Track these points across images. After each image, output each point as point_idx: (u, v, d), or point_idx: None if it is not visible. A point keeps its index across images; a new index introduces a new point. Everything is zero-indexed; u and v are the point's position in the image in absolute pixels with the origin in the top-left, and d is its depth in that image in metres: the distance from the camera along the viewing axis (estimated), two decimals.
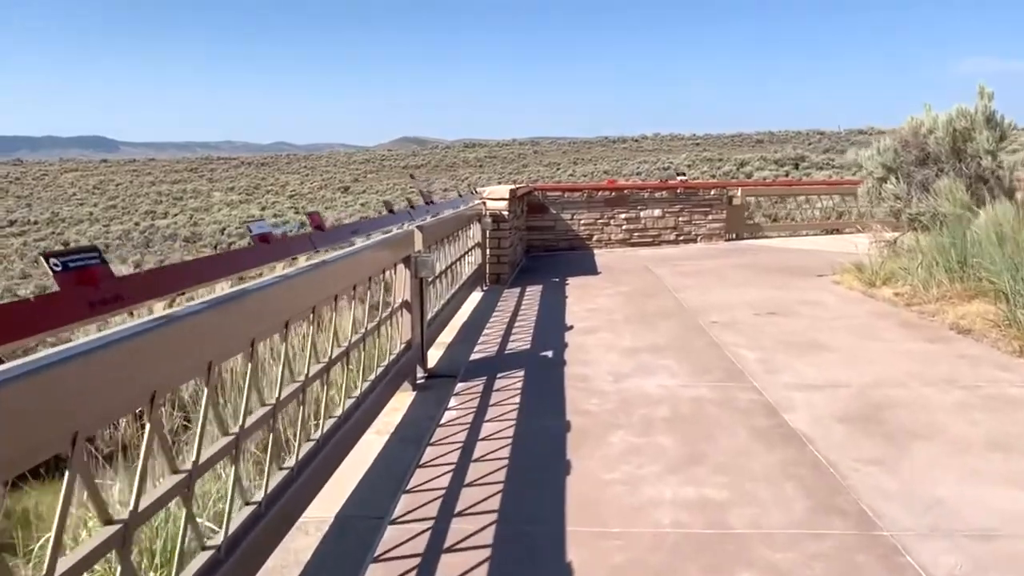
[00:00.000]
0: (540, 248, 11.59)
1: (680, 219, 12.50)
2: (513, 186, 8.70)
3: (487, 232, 8.07)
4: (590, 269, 9.56)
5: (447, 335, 5.67)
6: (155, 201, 62.27)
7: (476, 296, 7.44)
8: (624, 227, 12.15)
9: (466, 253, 6.95)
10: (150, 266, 27.46)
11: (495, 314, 6.60)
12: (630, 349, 5.21)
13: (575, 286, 8.07)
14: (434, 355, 5.07)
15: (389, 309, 3.84)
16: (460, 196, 6.58)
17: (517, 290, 7.88)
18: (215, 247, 32.43)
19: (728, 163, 59.19)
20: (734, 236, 13.17)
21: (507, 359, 5.06)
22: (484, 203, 8.05)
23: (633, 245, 12.19)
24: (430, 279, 4.83)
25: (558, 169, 68.34)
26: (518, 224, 9.70)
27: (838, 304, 6.76)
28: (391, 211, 3.98)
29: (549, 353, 5.13)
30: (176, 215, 50.03)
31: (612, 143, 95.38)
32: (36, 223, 48.08)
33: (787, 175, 50.46)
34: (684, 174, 12.64)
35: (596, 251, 11.76)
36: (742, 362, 4.80)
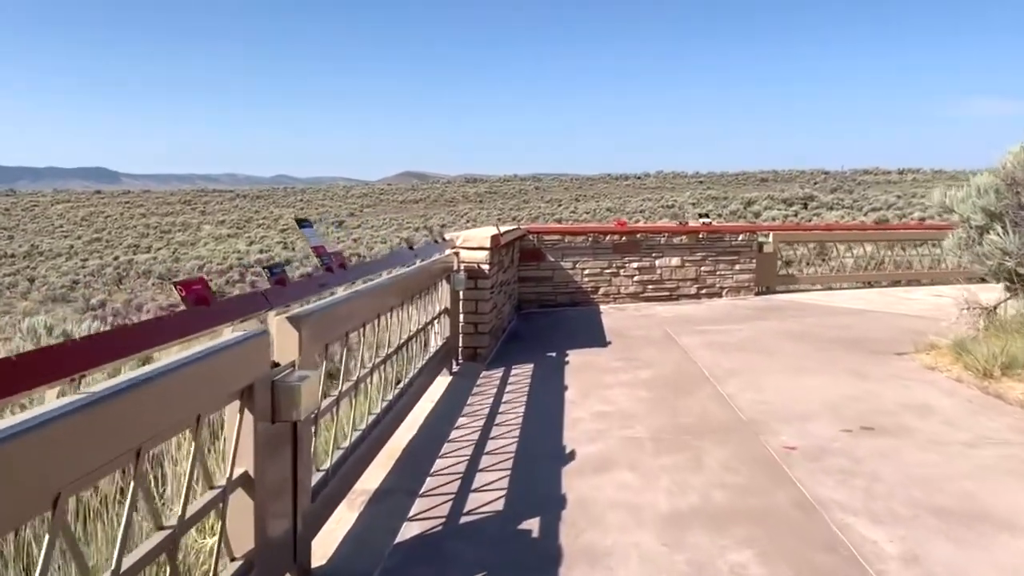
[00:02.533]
0: (534, 303, 9.53)
1: (702, 269, 10.46)
2: (497, 230, 6.67)
3: (460, 293, 6.01)
4: (596, 336, 7.48)
5: (373, 475, 3.56)
6: (142, 234, 60.44)
7: (440, 385, 5.34)
8: (636, 278, 10.10)
9: (422, 329, 4.87)
10: (116, 305, 25.37)
11: (460, 423, 4.49)
12: (670, 518, 3.10)
13: (578, 367, 5.98)
14: (341, 522, 2.97)
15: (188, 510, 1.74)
16: (411, 248, 4.53)
17: (499, 373, 5.79)
18: None
19: (734, 202, 57.57)
20: (764, 289, 11.13)
21: (460, 539, 2.95)
22: (456, 253, 6.00)
23: (647, 300, 10.13)
24: (312, 416, 2.75)
25: (560, 206, 66.67)
26: (505, 278, 7.65)
27: (958, 410, 4.66)
28: (197, 303, 1.90)
29: (533, 526, 3.02)
30: (159, 249, 48.09)
31: (615, 180, 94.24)
32: (13, 256, 46.11)
33: (796, 215, 48.74)
34: (708, 216, 10.63)
35: (602, 307, 9.70)
36: (877, 563, 2.70)
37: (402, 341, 4.14)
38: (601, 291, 9.93)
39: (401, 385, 4.17)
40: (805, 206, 54.68)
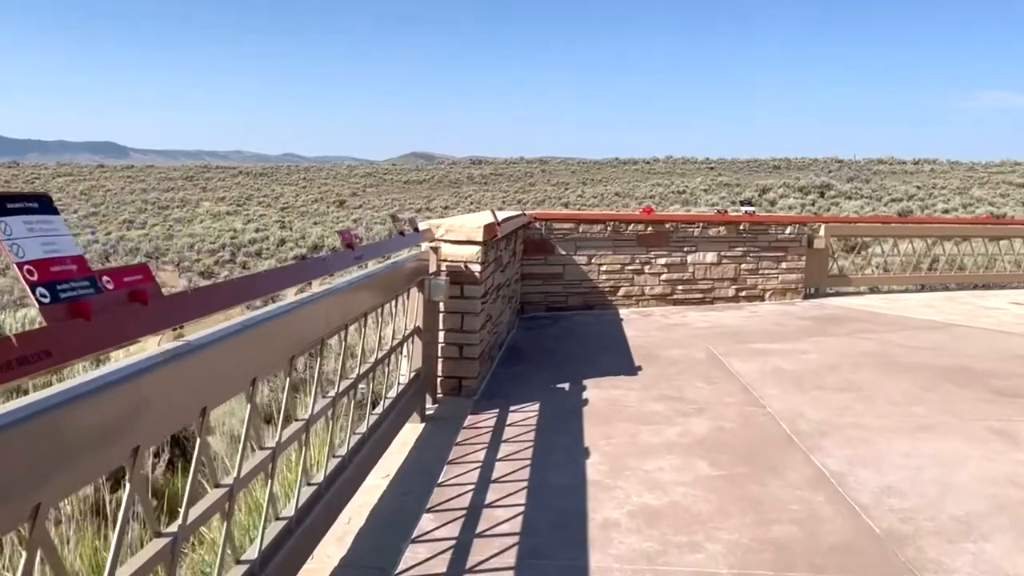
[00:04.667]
0: (540, 305, 7.84)
1: (742, 267, 8.74)
2: (493, 217, 4.95)
3: (440, 305, 4.31)
4: (621, 357, 5.78)
5: None
6: (139, 209, 58.73)
7: (404, 442, 3.67)
8: (663, 277, 8.39)
9: (370, 372, 3.17)
10: None
11: (421, 530, 2.81)
12: None
13: (601, 412, 4.29)
14: None
15: None
16: (349, 247, 2.77)
17: (490, 420, 4.10)
18: (177, 265, 28.77)
19: (748, 189, 55.58)
20: (813, 291, 9.43)
21: None
22: (435, 249, 4.29)
23: (676, 303, 8.43)
24: None
25: (567, 189, 64.67)
26: (504, 279, 5.94)
27: None
28: None
29: None
30: (154, 226, 46.42)
31: (623, 164, 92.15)
32: None
33: (814, 204, 46.88)
34: (752, 204, 8.92)
35: (622, 311, 8.00)
36: None
37: (314, 412, 2.43)
38: (621, 292, 8.22)
39: (318, 481, 2.47)
40: (822, 195, 52.73)
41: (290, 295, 2.36)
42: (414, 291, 3.96)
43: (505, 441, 3.76)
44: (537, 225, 7.78)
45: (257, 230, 40.54)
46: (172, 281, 25.84)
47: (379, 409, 3.27)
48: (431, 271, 4.16)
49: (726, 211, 8.88)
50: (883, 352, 6.00)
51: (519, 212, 7.10)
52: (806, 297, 9.19)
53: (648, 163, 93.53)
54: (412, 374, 3.96)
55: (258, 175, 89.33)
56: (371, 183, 78.61)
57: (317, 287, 2.47)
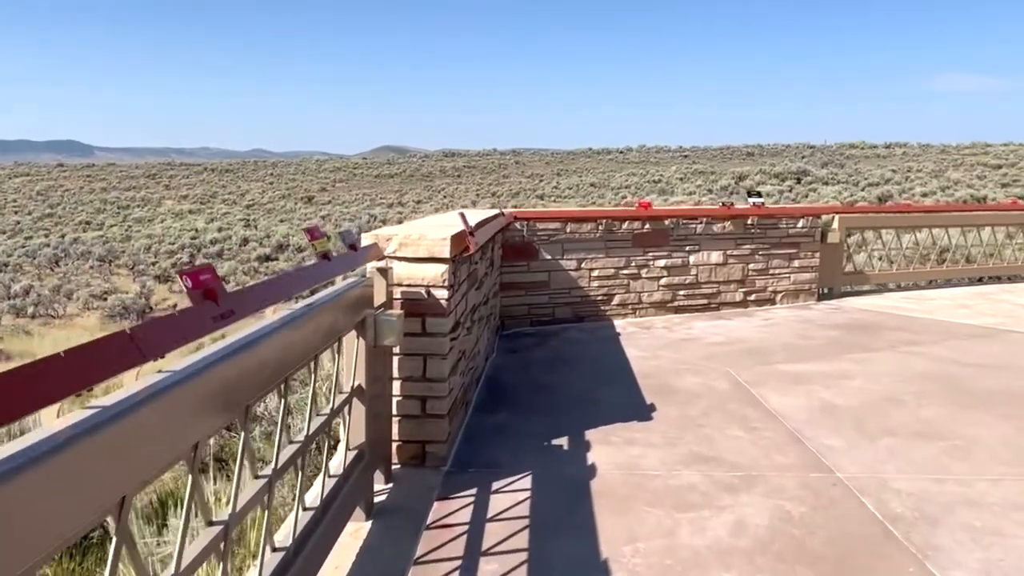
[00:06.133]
0: (524, 319, 6.68)
1: (750, 267, 7.66)
2: (464, 224, 3.76)
3: (393, 351, 3.13)
4: (628, 393, 4.63)
5: None
6: (98, 209, 56.47)
7: (340, 559, 2.49)
8: (663, 281, 7.27)
9: (274, 480, 1.99)
10: (43, 292, 22.15)
11: None
12: None
13: (615, 487, 3.14)
14: None
15: None
16: (211, 300, 1.63)
17: (466, 511, 2.94)
18: (132, 268, 27.13)
19: (724, 177, 54.87)
20: (827, 291, 8.38)
21: None
22: (384, 271, 3.11)
23: (678, 311, 7.32)
24: None
25: (541, 181, 63.51)
26: (480, 297, 4.76)
27: None
28: None
29: None
30: (112, 227, 44.45)
31: (597, 154, 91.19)
32: None
33: (791, 190, 46.19)
34: (760, 195, 7.82)
35: (618, 323, 6.88)
36: None
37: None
38: (616, 300, 7.09)
39: None
40: (799, 181, 52.21)
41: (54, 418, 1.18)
42: (351, 336, 2.77)
43: (486, 553, 2.60)
44: (518, 226, 6.62)
45: (220, 229, 38.84)
46: (126, 286, 24.28)
47: (284, 540, 2.08)
48: (377, 304, 2.98)
49: (731, 204, 7.78)
50: (943, 374, 4.92)
51: (497, 211, 5.92)
52: (820, 298, 8.14)
53: (622, 152, 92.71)
54: (353, 454, 2.78)
55: (224, 171, 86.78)
56: (341, 178, 76.65)
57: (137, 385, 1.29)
